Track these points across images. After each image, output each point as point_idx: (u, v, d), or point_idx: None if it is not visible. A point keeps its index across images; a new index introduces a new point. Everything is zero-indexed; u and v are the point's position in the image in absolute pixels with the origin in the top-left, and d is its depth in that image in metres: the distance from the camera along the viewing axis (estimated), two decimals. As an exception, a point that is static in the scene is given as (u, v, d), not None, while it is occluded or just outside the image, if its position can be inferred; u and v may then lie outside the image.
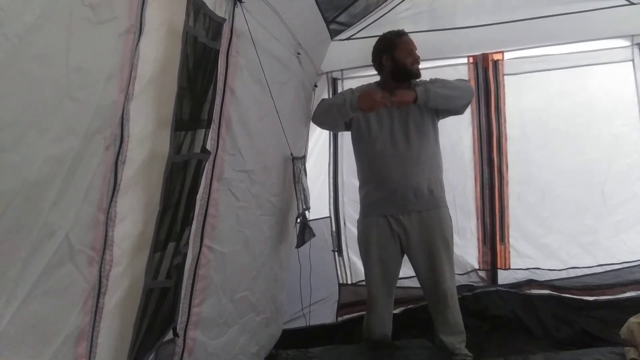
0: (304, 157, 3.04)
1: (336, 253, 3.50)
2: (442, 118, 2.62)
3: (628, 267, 3.36)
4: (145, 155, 1.25)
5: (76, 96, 0.94)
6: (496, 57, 3.47)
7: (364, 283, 2.81)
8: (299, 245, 2.69)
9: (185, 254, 1.53)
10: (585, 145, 3.44)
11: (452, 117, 2.65)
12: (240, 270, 2.08)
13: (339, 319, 3.33)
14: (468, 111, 3.39)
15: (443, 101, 2.46)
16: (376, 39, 2.66)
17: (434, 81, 2.49)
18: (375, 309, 2.63)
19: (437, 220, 2.54)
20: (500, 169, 3.52)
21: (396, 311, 2.97)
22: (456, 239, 2.72)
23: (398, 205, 2.53)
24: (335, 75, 3.43)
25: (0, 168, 0.78)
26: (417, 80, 2.56)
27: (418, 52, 2.55)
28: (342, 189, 3.52)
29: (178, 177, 1.34)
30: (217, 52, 1.53)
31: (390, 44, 2.56)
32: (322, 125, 2.79)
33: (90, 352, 1.10)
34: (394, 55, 2.53)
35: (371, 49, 2.64)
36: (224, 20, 1.58)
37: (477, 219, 3.57)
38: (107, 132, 1.07)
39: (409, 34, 2.60)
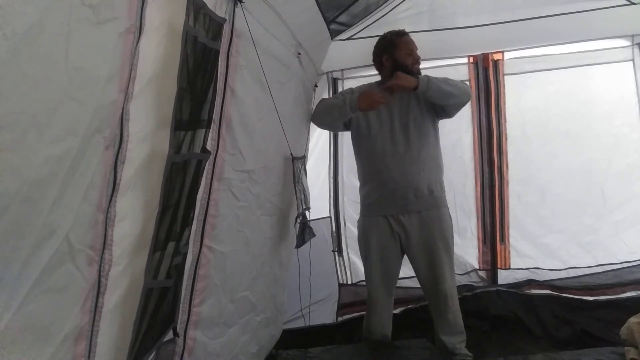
0: (304, 157, 3.03)
1: (336, 253, 3.50)
2: (438, 120, 2.62)
3: (628, 267, 3.36)
4: (145, 155, 1.25)
5: (76, 96, 0.94)
6: (496, 57, 3.47)
7: (364, 283, 2.81)
8: (298, 246, 2.69)
9: (185, 254, 1.53)
10: (585, 145, 3.45)
11: (453, 116, 2.65)
12: (240, 270, 2.08)
13: (339, 319, 3.33)
14: (468, 111, 3.42)
15: (441, 96, 2.42)
16: (376, 39, 2.67)
17: (438, 77, 2.48)
18: (375, 309, 2.63)
19: (437, 220, 2.54)
20: (500, 168, 3.53)
21: (396, 311, 2.97)
22: (456, 239, 2.72)
23: (398, 205, 2.53)
24: (335, 75, 3.44)
25: (0, 168, 0.78)
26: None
27: (418, 52, 2.56)
28: (342, 189, 3.52)
29: (178, 177, 1.34)
30: (217, 52, 1.53)
31: (391, 43, 2.56)
32: (321, 125, 2.79)
33: (90, 351, 1.10)
34: (395, 55, 2.54)
35: (371, 49, 2.65)
36: (224, 20, 1.58)
37: (477, 219, 3.57)
38: (106, 131, 1.07)
39: (410, 34, 2.60)
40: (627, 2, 3.05)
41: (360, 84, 2.75)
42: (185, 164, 1.38)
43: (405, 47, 2.54)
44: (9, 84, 0.77)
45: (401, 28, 2.63)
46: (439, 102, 2.50)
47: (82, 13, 0.93)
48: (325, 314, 3.31)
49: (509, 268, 3.53)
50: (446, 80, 2.45)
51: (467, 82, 3.43)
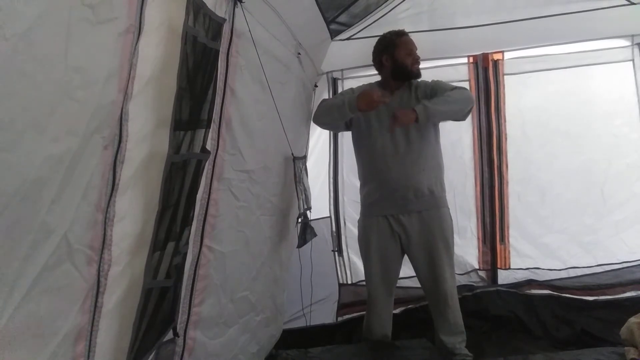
0: (304, 157, 3.04)
1: (336, 253, 3.50)
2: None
3: (628, 267, 3.36)
4: (144, 155, 1.25)
5: (75, 96, 0.94)
6: (496, 57, 3.47)
7: (364, 283, 2.81)
8: (300, 245, 2.69)
9: (185, 254, 1.53)
10: (585, 145, 3.45)
11: (452, 117, 2.65)
12: (240, 270, 2.08)
13: (339, 319, 3.33)
14: (468, 111, 3.41)
15: (443, 116, 2.50)
16: (376, 39, 2.67)
17: (434, 100, 2.42)
18: (375, 309, 2.63)
19: (438, 220, 2.54)
20: (500, 168, 3.52)
21: (396, 311, 2.97)
22: (456, 239, 2.72)
23: (398, 205, 2.53)
24: (335, 75, 3.43)
25: (-1, 168, 0.78)
26: (418, 80, 2.57)
27: (418, 52, 2.56)
28: (342, 189, 3.52)
29: (177, 176, 1.34)
30: (217, 52, 1.53)
31: (391, 43, 2.56)
32: (322, 125, 2.79)
33: (89, 351, 1.10)
34: (394, 55, 2.54)
35: (371, 49, 2.65)
36: (224, 20, 1.58)
37: (477, 219, 3.57)
38: (106, 131, 1.07)
39: (409, 34, 2.60)
40: (627, 2, 3.05)
41: (360, 84, 2.75)
42: (184, 163, 1.38)
43: (405, 47, 2.54)
44: (8, 84, 0.77)
45: (401, 28, 2.63)
46: (444, 121, 2.54)
47: (81, 13, 0.93)
48: (325, 314, 3.30)
49: (509, 268, 3.53)
50: (445, 99, 2.41)
51: (467, 82, 3.44)
